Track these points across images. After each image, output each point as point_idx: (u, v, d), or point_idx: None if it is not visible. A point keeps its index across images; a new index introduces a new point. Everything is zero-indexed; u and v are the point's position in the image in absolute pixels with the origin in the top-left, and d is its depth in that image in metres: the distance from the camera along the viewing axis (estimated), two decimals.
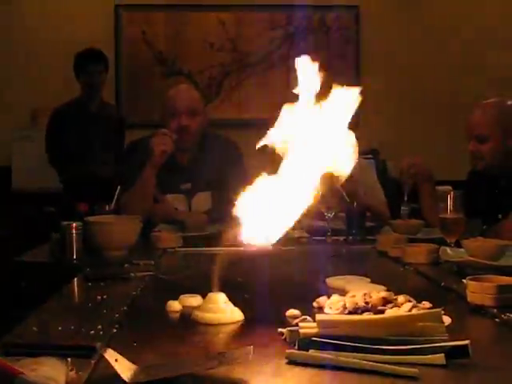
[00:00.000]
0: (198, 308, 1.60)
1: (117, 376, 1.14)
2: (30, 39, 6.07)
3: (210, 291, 1.63)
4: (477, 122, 2.88)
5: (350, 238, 2.88)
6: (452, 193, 2.41)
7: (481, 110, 2.91)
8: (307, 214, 3.29)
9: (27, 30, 6.09)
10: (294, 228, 3.04)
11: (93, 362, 1.20)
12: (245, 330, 1.50)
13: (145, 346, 1.37)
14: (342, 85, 1.70)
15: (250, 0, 6.36)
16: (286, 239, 2.83)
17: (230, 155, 3.38)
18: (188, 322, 1.56)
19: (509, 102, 2.95)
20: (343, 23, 6.38)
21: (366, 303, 1.57)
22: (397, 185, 3.22)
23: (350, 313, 1.53)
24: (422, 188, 3.05)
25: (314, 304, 1.61)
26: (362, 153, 4.61)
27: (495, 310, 1.56)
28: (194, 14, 6.37)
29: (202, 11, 6.37)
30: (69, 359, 1.12)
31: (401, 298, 1.58)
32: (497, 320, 1.52)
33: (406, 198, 2.96)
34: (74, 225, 2.43)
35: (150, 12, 6.36)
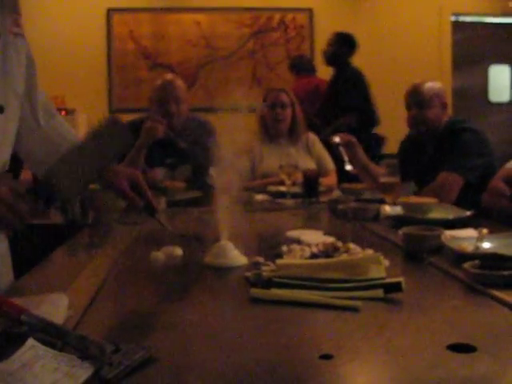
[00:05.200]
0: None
1: (108, 318, 1.14)
2: (30, 37, 5.95)
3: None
4: (419, 91, 2.85)
5: (307, 199, 2.88)
6: (389, 160, 2.42)
7: (421, 84, 2.88)
8: (271, 181, 3.31)
9: (29, 28, 5.96)
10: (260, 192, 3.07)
11: (86, 304, 1.19)
12: (217, 275, 1.49)
13: (131, 292, 1.37)
14: None
15: (221, 3, 6.31)
16: (253, 202, 2.85)
17: (206, 133, 3.35)
18: (169, 269, 1.56)
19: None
20: (299, 22, 6.37)
21: (319, 250, 1.57)
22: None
23: (305, 258, 1.53)
24: (349, 154, 2.98)
25: (276, 252, 1.60)
26: None
27: (424, 255, 1.57)
28: (174, 16, 6.33)
29: (181, 13, 6.33)
30: (67, 298, 1.11)
31: (348, 246, 1.58)
32: (425, 263, 1.54)
33: (346, 159, 2.90)
34: None
35: (137, 14, 6.30)
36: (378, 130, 5.23)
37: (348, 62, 5.18)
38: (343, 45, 5.16)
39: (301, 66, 5.68)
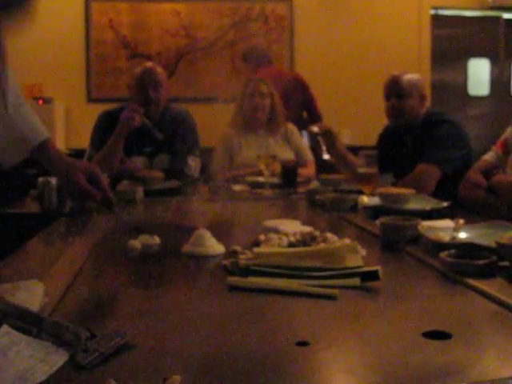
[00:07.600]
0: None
1: (84, 305, 1.13)
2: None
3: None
4: (398, 81, 2.87)
5: (285, 190, 2.88)
6: (367, 151, 2.42)
7: (400, 75, 2.90)
8: (249, 172, 3.31)
9: None
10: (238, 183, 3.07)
11: (62, 291, 1.19)
12: (194, 264, 1.49)
13: (107, 279, 1.36)
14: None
15: None
16: (232, 192, 2.85)
17: (184, 122, 3.33)
18: (146, 258, 1.55)
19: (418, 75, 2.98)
20: (279, 13, 6.35)
21: (297, 239, 1.58)
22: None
23: (283, 247, 1.53)
24: (327, 144, 2.93)
25: (254, 241, 1.60)
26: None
27: (401, 245, 1.58)
28: (154, 5, 6.27)
29: (161, 2, 6.27)
30: (43, 286, 1.10)
31: (326, 235, 1.59)
32: (402, 252, 1.55)
33: (324, 148, 2.90)
34: (51, 180, 2.40)
35: (116, 3, 6.23)
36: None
37: None
38: None
39: (260, 58, 5.15)
